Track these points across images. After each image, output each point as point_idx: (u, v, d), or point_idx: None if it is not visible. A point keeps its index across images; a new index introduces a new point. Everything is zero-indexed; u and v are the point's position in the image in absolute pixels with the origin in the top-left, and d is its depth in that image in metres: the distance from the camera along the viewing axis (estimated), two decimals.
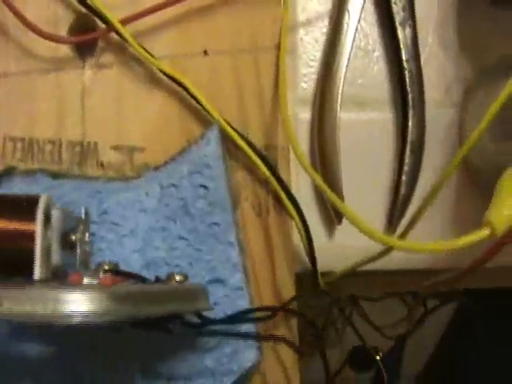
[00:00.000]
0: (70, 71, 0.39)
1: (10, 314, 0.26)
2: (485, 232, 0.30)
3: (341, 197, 0.40)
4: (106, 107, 0.39)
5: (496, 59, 0.42)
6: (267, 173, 0.38)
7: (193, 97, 0.38)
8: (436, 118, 0.41)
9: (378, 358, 0.42)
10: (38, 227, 0.31)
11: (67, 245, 0.34)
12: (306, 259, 0.40)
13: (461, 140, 0.41)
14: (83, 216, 0.36)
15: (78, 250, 0.35)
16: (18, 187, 0.37)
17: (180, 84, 0.38)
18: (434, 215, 0.41)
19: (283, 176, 0.38)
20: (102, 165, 0.39)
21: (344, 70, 0.40)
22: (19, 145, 0.38)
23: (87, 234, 0.36)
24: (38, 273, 0.31)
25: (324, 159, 0.40)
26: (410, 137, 0.40)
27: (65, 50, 0.39)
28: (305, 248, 0.39)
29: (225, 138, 0.38)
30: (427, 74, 0.41)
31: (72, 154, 0.39)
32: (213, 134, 0.38)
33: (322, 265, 0.40)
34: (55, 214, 0.32)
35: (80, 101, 0.39)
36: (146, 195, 0.37)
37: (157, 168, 0.38)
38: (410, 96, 0.40)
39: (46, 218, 0.31)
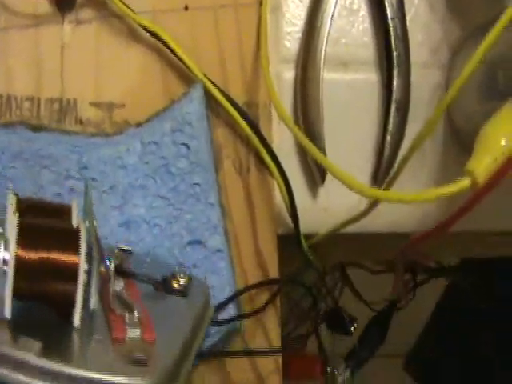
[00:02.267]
0: (49, 27, 0.38)
1: None
2: (466, 182, 0.30)
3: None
4: (85, 63, 0.38)
5: (483, 20, 0.41)
6: (248, 130, 0.37)
7: (174, 53, 0.37)
8: (422, 79, 0.41)
9: (352, 328, 0.42)
10: (81, 262, 0.25)
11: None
12: (289, 220, 0.39)
13: (449, 115, 0.41)
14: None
15: (111, 283, 0.29)
16: None
17: (161, 40, 0.37)
18: (419, 175, 0.41)
19: (265, 134, 0.38)
20: (81, 122, 0.38)
21: (328, 29, 0.39)
22: None
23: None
24: (77, 319, 0.26)
25: (307, 119, 0.40)
26: (394, 96, 0.39)
27: (44, 5, 0.38)
28: (287, 208, 0.38)
29: (206, 94, 0.38)
30: (413, 35, 0.40)
31: (50, 111, 0.38)
32: (196, 92, 0.37)
33: (306, 227, 0.39)
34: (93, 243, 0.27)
35: (59, 57, 0.38)
36: (126, 152, 0.37)
37: (139, 125, 0.38)
38: (394, 55, 0.39)
39: (88, 250, 0.26)
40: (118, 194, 0.37)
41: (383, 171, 0.40)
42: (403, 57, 0.39)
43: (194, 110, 0.37)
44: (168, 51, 0.38)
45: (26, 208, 0.27)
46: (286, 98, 0.40)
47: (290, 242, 0.40)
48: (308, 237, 0.40)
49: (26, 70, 0.38)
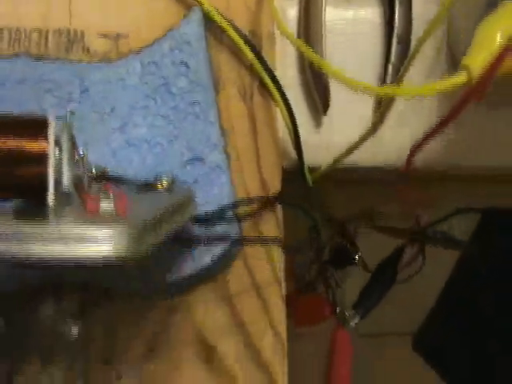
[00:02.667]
0: None
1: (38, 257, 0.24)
2: (462, 76, 0.30)
3: (327, 89, 0.40)
4: None
5: None
6: (251, 56, 0.38)
7: None
8: (423, 14, 0.41)
9: (357, 256, 0.42)
10: (50, 148, 0.27)
11: (74, 163, 0.31)
12: (292, 153, 0.39)
13: (448, 35, 0.41)
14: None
15: (84, 168, 0.31)
16: (1, 65, 0.37)
17: None
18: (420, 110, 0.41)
19: (268, 62, 0.38)
20: (88, 51, 0.39)
21: None
22: (5, 33, 0.38)
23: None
24: (51, 200, 0.27)
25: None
26: (396, 30, 0.40)
27: None
28: (290, 136, 0.39)
29: (210, 22, 0.38)
30: None
31: (58, 42, 0.39)
32: (194, 14, 0.38)
33: (309, 159, 0.39)
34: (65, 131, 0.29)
35: None
36: (126, 73, 0.37)
37: (139, 51, 0.38)
38: None
39: (56, 137, 0.28)
40: (119, 115, 0.37)
41: (386, 103, 0.40)
42: None
43: (192, 31, 0.38)
44: None
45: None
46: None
47: (295, 176, 0.40)
48: (311, 170, 0.40)
49: (34, 3, 0.39)
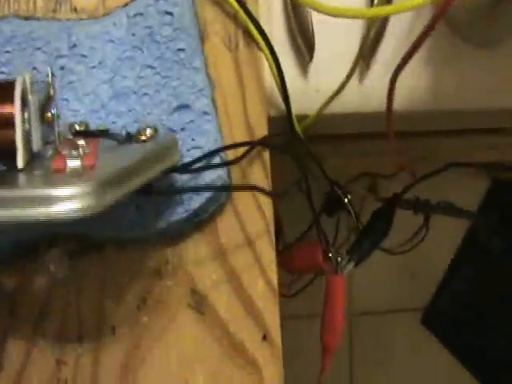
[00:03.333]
0: None
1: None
2: None
3: (311, 36, 0.40)
4: None
5: None
6: (235, 5, 0.38)
7: None
8: None
9: (346, 200, 0.41)
10: (16, 112, 0.28)
11: (44, 123, 0.32)
12: (280, 102, 0.39)
13: None
14: (50, 79, 0.34)
15: (56, 128, 0.32)
16: None
17: None
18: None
19: (252, 11, 0.38)
20: (75, 10, 0.39)
21: None
22: None
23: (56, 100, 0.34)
24: (20, 161, 0.29)
25: (297, 12, 0.40)
26: None
27: None
28: (277, 84, 0.38)
29: None
30: None
31: (46, 1, 0.39)
32: None
33: (297, 107, 0.39)
34: (32, 96, 0.30)
35: None
36: (113, 26, 0.38)
37: (126, 4, 0.38)
38: None
39: (23, 101, 0.29)
40: (107, 67, 0.37)
41: (369, 48, 0.40)
42: None
43: None
44: None
45: None
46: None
47: (282, 125, 0.40)
48: (299, 119, 0.40)
49: None
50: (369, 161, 0.46)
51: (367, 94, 0.39)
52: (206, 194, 0.36)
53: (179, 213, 0.36)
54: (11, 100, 0.28)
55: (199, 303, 0.37)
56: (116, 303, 0.37)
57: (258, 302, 0.37)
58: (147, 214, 0.36)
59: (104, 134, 0.34)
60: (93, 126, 0.36)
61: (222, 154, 0.37)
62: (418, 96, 0.38)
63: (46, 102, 0.31)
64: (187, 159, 0.36)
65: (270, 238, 0.37)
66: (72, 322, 0.37)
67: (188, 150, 0.36)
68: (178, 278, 0.37)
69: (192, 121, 0.37)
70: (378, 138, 0.42)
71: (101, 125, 0.36)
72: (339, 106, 0.39)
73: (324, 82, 0.40)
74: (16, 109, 0.28)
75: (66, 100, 0.37)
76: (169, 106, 0.37)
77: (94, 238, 0.36)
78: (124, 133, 0.34)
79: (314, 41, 0.39)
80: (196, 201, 0.36)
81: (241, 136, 0.38)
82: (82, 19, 0.39)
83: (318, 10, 0.32)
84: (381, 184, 0.47)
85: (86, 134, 0.33)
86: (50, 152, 0.31)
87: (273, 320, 0.37)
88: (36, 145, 0.29)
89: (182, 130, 0.36)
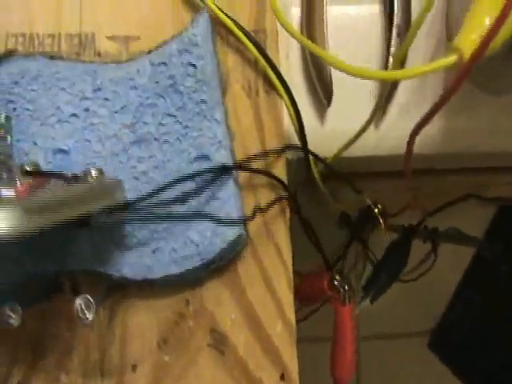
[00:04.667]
0: None
1: None
2: (453, 57, 0.31)
3: (330, 82, 0.41)
4: (101, 0, 0.41)
5: None
6: (256, 53, 0.39)
7: None
8: (420, 8, 0.42)
9: (376, 210, 0.42)
10: None
11: None
12: (298, 143, 0.40)
13: (447, 27, 0.42)
14: (3, 120, 0.36)
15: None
16: (17, 63, 0.39)
17: None
18: (421, 101, 0.42)
19: (272, 57, 0.39)
20: (99, 54, 0.40)
21: None
22: (21, 40, 0.40)
23: (9, 138, 0.36)
24: None
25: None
26: (395, 22, 0.41)
27: None
28: (295, 128, 0.40)
29: (215, 23, 0.40)
30: None
31: (71, 46, 0.40)
32: (202, 18, 0.39)
33: (314, 150, 0.40)
34: None
35: None
36: (137, 73, 0.39)
37: (149, 51, 0.40)
38: None
39: None
40: (130, 113, 0.38)
41: (388, 91, 0.41)
42: None
43: (200, 33, 0.39)
44: None
45: None
46: None
47: (300, 168, 0.41)
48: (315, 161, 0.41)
49: (46, 9, 0.41)
50: (379, 196, 0.47)
51: (382, 138, 0.41)
52: (223, 245, 0.37)
53: (195, 261, 0.37)
54: None
55: (219, 342, 0.38)
56: (137, 342, 0.38)
57: (276, 341, 0.38)
58: (163, 258, 0.37)
59: (53, 174, 0.35)
60: (110, 169, 0.37)
61: (239, 199, 0.38)
62: (434, 139, 0.39)
63: None
64: (207, 209, 0.37)
65: (289, 279, 0.38)
66: (94, 359, 0.38)
67: (207, 201, 0.37)
68: (199, 318, 0.38)
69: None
70: (388, 177, 0.44)
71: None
72: (355, 150, 0.40)
73: (340, 125, 0.41)
74: None
75: (89, 141, 0.38)
76: (189, 155, 0.38)
77: (115, 279, 0.37)
78: (71, 173, 0.35)
79: (332, 88, 0.40)
80: (213, 251, 0.37)
81: (260, 179, 0.39)
82: (106, 63, 0.40)
83: (336, 67, 0.33)
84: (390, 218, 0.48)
85: (36, 173, 0.34)
86: None
87: (291, 359, 0.38)
88: None
89: (201, 179, 0.38)
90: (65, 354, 0.38)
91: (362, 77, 0.32)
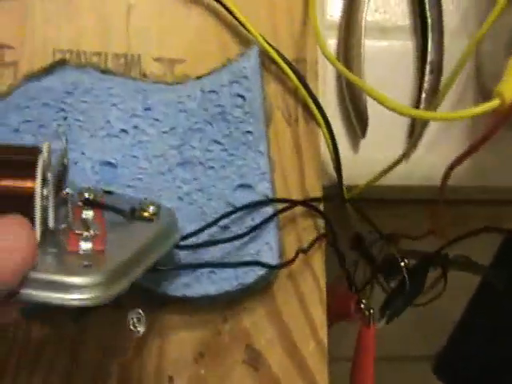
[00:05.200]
0: None
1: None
2: (495, 102, 0.33)
3: (365, 113, 0.43)
4: (149, 23, 0.42)
5: None
6: (297, 82, 0.41)
7: (231, 13, 0.41)
8: (452, 46, 0.44)
9: (402, 263, 0.44)
10: (37, 189, 0.29)
11: (60, 201, 0.32)
12: (332, 171, 0.42)
13: (477, 66, 0.44)
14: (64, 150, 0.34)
15: (69, 205, 0.32)
16: (69, 74, 0.40)
17: (219, 1, 0.41)
18: (451, 129, 0.44)
19: (311, 87, 0.41)
20: (144, 75, 0.41)
21: None
22: (67, 56, 0.41)
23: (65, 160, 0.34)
24: (37, 238, 0.29)
25: (350, 83, 0.43)
26: (429, 58, 0.43)
27: None
28: (331, 157, 0.41)
29: (260, 52, 0.41)
30: (445, 4, 0.44)
31: (117, 65, 0.41)
32: (253, 52, 0.41)
33: (347, 178, 0.42)
34: (52, 171, 0.30)
35: (125, 16, 0.42)
36: (187, 97, 0.40)
37: (199, 77, 0.41)
38: (429, 21, 0.43)
39: (43, 176, 0.29)
40: (178, 135, 0.40)
41: (419, 128, 0.43)
42: (437, 23, 0.43)
43: (250, 65, 0.41)
44: (224, 12, 0.42)
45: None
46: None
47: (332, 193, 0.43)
48: (348, 188, 0.43)
49: (94, 28, 0.42)
50: (400, 223, 0.49)
51: (411, 170, 0.43)
52: (261, 271, 0.39)
53: (234, 285, 0.39)
54: (32, 175, 0.29)
55: (254, 359, 0.40)
56: (174, 355, 0.39)
57: (308, 360, 0.40)
58: (202, 279, 0.39)
59: (109, 207, 0.34)
60: (155, 187, 0.39)
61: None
62: (462, 173, 0.42)
63: (61, 177, 0.32)
64: (245, 239, 0.39)
65: (322, 301, 0.40)
66: (132, 370, 0.39)
67: (246, 228, 0.39)
68: (235, 334, 0.40)
69: (253, 201, 0.40)
70: (413, 204, 0.46)
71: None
72: (385, 179, 0.42)
73: (372, 155, 0.43)
74: (37, 185, 0.29)
75: (136, 158, 0.40)
76: (232, 182, 0.40)
77: (155, 294, 0.39)
78: (128, 208, 0.35)
79: (367, 120, 0.42)
80: (250, 276, 0.39)
81: (299, 213, 0.41)
82: (155, 82, 0.41)
83: (371, 95, 0.35)
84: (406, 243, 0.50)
85: (94, 204, 0.34)
86: (62, 226, 0.31)
87: (322, 378, 0.40)
88: (51, 221, 0.30)
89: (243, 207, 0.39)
90: (103, 363, 0.39)
91: (401, 113, 0.34)
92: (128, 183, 0.39)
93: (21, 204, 0.28)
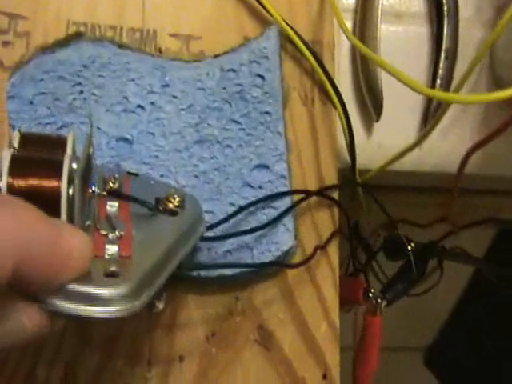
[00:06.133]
0: None
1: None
2: None
3: (380, 97, 0.43)
4: None
5: None
6: (314, 63, 0.41)
7: None
8: (467, 34, 0.45)
9: (409, 247, 0.44)
10: (63, 189, 0.28)
11: (86, 199, 0.31)
12: (345, 155, 0.42)
13: (490, 54, 0.45)
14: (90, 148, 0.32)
15: (95, 205, 0.32)
16: (86, 48, 0.39)
17: None
18: (462, 121, 0.44)
19: (328, 68, 0.41)
20: (160, 50, 0.41)
21: None
22: (82, 29, 0.41)
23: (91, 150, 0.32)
24: None
25: (365, 66, 0.43)
26: (444, 45, 0.43)
27: None
28: (345, 139, 0.41)
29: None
30: None
31: (132, 40, 0.41)
32: (272, 32, 0.41)
33: (360, 162, 0.42)
34: (77, 168, 0.29)
35: None
36: (206, 75, 0.40)
37: (217, 56, 0.41)
38: (445, 8, 0.43)
39: (70, 177, 0.29)
40: (195, 113, 0.40)
41: (432, 112, 0.43)
42: (453, 10, 0.43)
43: (270, 46, 0.40)
44: None
45: (27, 142, 0.31)
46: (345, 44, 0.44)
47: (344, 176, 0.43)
48: (360, 172, 0.43)
49: (110, 1, 0.41)
50: (409, 210, 0.49)
51: (424, 156, 0.43)
52: (277, 253, 0.38)
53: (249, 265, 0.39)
54: (58, 174, 0.28)
55: (265, 339, 0.39)
56: (186, 334, 0.39)
57: (320, 342, 0.40)
58: (217, 258, 0.38)
59: (134, 198, 0.34)
60: (172, 164, 0.38)
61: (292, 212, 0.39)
62: (477, 161, 0.42)
63: (87, 172, 0.31)
64: (262, 218, 0.39)
65: (335, 283, 0.40)
66: (142, 349, 0.39)
67: (263, 208, 0.39)
68: (247, 314, 0.40)
69: (270, 181, 0.39)
70: (421, 192, 0.46)
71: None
72: (398, 165, 0.42)
73: (385, 139, 0.44)
74: (63, 185, 0.28)
75: (152, 134, 0.39)
76: (249, 162, 0.39)
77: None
78: (153, 198, 0.34)
79: (382, 102, 0.42)
80: (266, 257, 0.38)
81: (313, 187, 0.41)
82: (172, 59, 0.40)
83: (387, 69, 0.35)
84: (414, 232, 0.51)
85: (119, 195, 0.33)
86: (87, 222, 0.31)
87: (333, 360, 0.40)
88: (76, 220, 0.29)
89: (260, 187, 0.39)
90: (112, 342, 0.39)
91: (425, 94, 0.33)
92: (144, 160, 0.38)
93: (47, 203, 0.27)
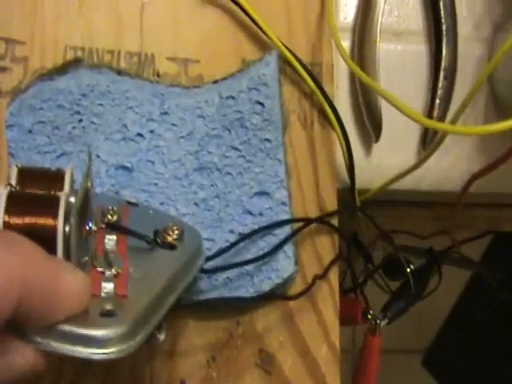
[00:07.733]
0: None
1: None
2: None
3: (379, 118, 0.43)
4: (163, 21, 0.41)
5: None
6: (313, 86, 0.41)
7: (247, 15, 0.41)
8: (465, 52, 0.44)
9: (408, 269, 0.45)
10: (59, 227, 0.29)
11: (83, 236, 0.31)
12: (345, 176, 0.42)
13: (491, 80, 0.45)
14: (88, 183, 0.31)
15: (92, 243, 0.32)
16: (84, 76, 0.39)
17: (237, 3, 0.41)
18: (463, 140, 0.44)
19: (327, 91, 0.41)
20: (158, 74, 0.41)
21: (383, 1, 0.43)
22: (79, 53, 0.40)
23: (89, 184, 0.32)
24: None
25: (365, 86, 0.43)
26: (443, 64, 0.43)
27: None
28: (345, 161, 0.41)
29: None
30: (459, 10, 0.44)
31: (130, 64, 0.41)
32: (272, 58, 0.40)
33: (359, 182, 0.42)
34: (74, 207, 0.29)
35: (139, 14, 0.41)
36: (205, 103, 0.40)
37: (215, 81, 0.41)
38: (444, 26, 0.43)
39: (66, 214, 0.29)
40: (195, 140, 0.39)
41: (431, 133, 0.43)
42: (451, 29, 0.43)
43: (269, 73, 0.40)
44: (240, 13, 0.41)
45: (25, 177, 0.31)
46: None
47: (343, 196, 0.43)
48: (360, 192, 0.43)
49: (107, 26, 0.41)
50: (410, 223, 0.49)
51: (423, 175, 0.43)
52: (277, 280, 0.39)
53: (250, 292, 0.39)
54: (55, 212, 0.29)
55: (266, 363, 0.40)
56: (187, 358, 0.39)
57: (321, 364, 0.40)
58: (218, 285, 0.39)
59: (131, 232, 0.34)
60: (171, 192, 0.39)
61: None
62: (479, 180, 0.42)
63: (84, 209, 0.31)
64: (262, 245, 0.39)
65: (335, 306, 0.41)
66: (143, 374, 0.39)
67: (263, 235, 0.39)
68: (248, 338, 0.40)
69: (270, 208, 0.39)
70: (422, 207, 0.46)
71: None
72: (397, 184, 0.42)
73: (385, 159, 0.44)
74: (59, 224, 0.28)
75: (152, 162, 0.39)
76: (250, 189, 0.39)
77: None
78: (151, 231, 0.34)
79: (381, 122, 0.42)
80: (267, 284, 0.39)
81: (313, 211, 0.41)
82: (171, 85, 0.40)
83: (386, 98, 0.35)
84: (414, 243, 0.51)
85: (117, 228, 0.33)
86: (84, 259, 0.31)
87: (334, 381, 0.40)
88: (73, 257, 0.29)
89: (260, 214, 0.39)
90: (113, 367, 0.39)
91: (424, 125, 0.34)
92: (143, 188, 0.39)
93: (44, 240, 0.27)
